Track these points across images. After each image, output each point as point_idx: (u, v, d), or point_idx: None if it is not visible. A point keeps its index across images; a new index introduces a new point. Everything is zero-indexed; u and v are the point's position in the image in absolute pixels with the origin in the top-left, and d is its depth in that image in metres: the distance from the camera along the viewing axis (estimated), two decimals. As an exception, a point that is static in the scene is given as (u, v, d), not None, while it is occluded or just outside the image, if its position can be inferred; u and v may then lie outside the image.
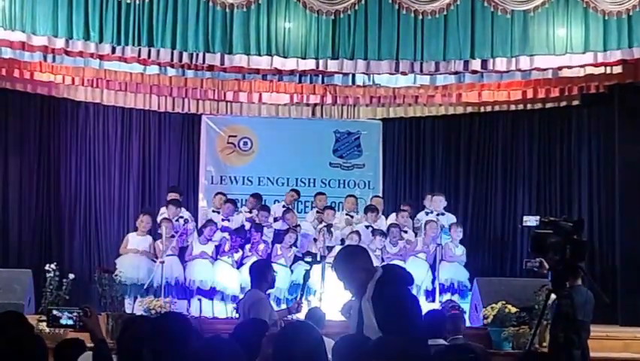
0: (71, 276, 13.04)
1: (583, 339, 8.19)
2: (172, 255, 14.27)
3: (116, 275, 13.28)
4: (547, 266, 8.32)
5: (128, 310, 13.28)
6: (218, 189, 16.36)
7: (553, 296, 7.50)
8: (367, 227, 14.89)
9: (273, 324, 8.32)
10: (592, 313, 9.90)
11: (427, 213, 15.37)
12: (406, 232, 14.93)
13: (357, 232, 14.62)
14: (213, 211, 15.30)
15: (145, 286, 13.92)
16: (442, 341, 8.45)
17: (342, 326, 12.58)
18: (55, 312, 5.90)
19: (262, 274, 8.72)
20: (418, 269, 14.54)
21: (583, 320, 9.29)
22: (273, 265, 14.14)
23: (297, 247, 14.61)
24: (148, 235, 14.65)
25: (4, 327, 5.18)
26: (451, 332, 9.27)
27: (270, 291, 13.97)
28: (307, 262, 9.49)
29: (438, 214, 15.26)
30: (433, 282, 14.52)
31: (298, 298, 9.94)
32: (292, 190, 15.92)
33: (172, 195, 15.30)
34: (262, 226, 14.70)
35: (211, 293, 14.23)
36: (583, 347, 7.93)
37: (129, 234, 14.77)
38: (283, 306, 14.06)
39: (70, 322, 5.76)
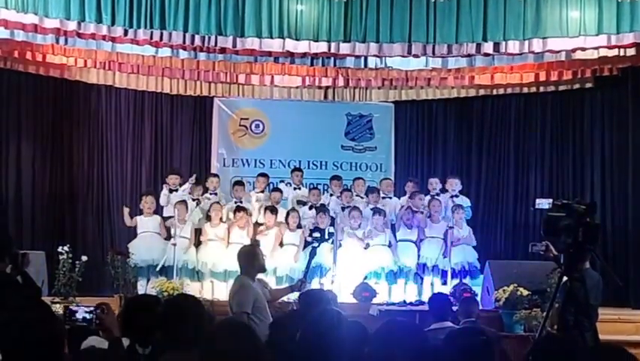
0: (84, 258, 13.09)
1: (593, 322, 8.20)
2: (185, 237, 14.29)
3: (129, 260, 13.34)
4: (553, 250, 8.29)
5: (141, 292, 13.30)
6: (230, 172, 16.42)
7: (564, 279, 7.50)
8: (372, 209, 14.85)
9: (261, 308, 8.25)
10: (601, 296, 9.88)
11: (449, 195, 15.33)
12: (422, 212, 14.90)
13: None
14: (211, 194, 15.28)
15: (158, 268, 13.97)
16: (448, 324, 8.47)
17: (354, 308, 12.70)
18: (72, 307, 5.92)
19: (248, 260, 8.65)
20: (432, 250, 14.59)
21: (591, 304, 9.28)
22: (287, 246, 14.37)
23: (301, 227, 14.60)
24: (155, 214, 14.71)
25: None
26: (463, 316, 9.28)
27: (282, 273, 14.21)
28: (315, 239, 9.19)
29: (452, 196, 15.24)
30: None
31: (302, 277, 9.85)
32: (295, 170, 15.89)
33: (173, 178, 15.26)
34: (276, 208, 14.68)
35: (224, 275, 14.25)
36: (593, 330, 7.93)
37: (137, 217, 14.81)
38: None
39: (86, 316, 5.78)
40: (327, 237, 9.38)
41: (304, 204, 15.17)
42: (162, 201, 15.03)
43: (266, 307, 8.39)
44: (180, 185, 15.17)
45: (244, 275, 8.60)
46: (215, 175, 15.76)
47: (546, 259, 9.61)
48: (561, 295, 7.76)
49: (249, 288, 8.44)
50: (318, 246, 9.08)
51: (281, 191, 15.27)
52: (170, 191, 15.09)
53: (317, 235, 9.15)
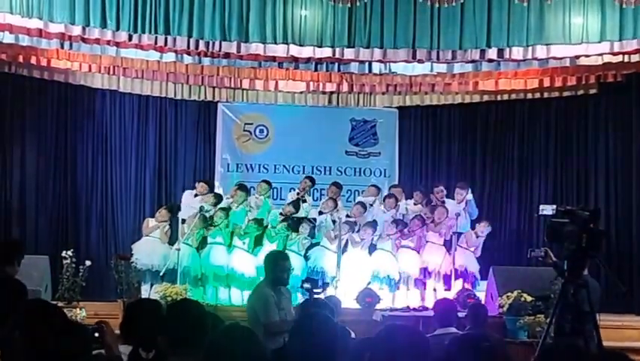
0: (88, 263, 13.10)
1: (591, 329, 8.19)
2: (188, 243, 14.28)
3: (132, 262, 13.35)
4: (552, 256, 8.28)
5: (144, 297, 13.30)
6: (235, 176, 16.37)
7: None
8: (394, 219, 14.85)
9: (270, 323, 7.99)
10: (598, 302, 9.86)
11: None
12: (432, 222, 14.88)
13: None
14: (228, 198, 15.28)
15: (161, 273, 13.97)
16: (453, 330, 8.44)
17: (358, 313, 12.70)
18: None
19: (268, 266, 8.31)
20: (433, 255, 14.57)
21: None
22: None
23: (312, 237, 14.60)
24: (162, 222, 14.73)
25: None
26: (471, 322, 9.25)
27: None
28: (306, 290, 8.21)
29: (462, 201, 15.24)
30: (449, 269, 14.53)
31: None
32: (306, 178, 15.86)
33: (202, 186, 15.21)
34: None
35: (227, 280, 14.26)
36: (592, 337, 7.93)
37: (148, 218, 14.85)
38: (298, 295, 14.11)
39: None
40: (319, 288, 8.35)
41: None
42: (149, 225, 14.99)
43: (276, 323, 8.11)
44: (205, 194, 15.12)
45: (263, 283, 8.28)
46: (240, 185, 15.67)
47: (546, 264, 9.62)
48: (559, 301, 7.76)
49: (263, 301, 8.14)
50: (310, 299, 8.23)
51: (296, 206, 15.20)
52: (195, 195, 15.04)
53: (307, 285, 8.22)
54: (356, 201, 15.66)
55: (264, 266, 8.39)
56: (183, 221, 14.52)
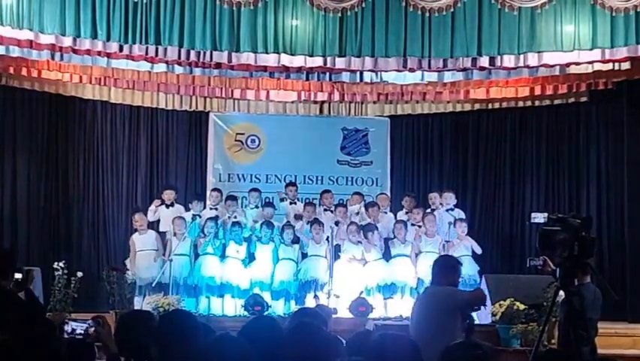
0: (80, 274, 13.06)
1: (591, 336, 8.18)
2: (181, 254, 14.25)
3: (126, 275, 13.32)
4: (551, 264, 8.27)
5: (137, 308, 13.27)
6: (226, 186, 16.36)
7: (561, 293, 7.50)
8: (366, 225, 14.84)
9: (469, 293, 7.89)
10: (600, 310, 9.88)
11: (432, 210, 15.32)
12: (420, 226, 14.85)
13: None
14: (211, 209, 15.28)
15: (153, 284, 13.93)
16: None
17: (351, 323, 12.67)
18: (67, 321, 5.90)
19: (443, 269, 7.96)
20: (429, 265, 14.53)
21: (591, 318, 9.27)
22: (282, 261, 14.36)
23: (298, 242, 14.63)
24: (150, 230, 14.71)
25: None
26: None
27: (279, 287, 14.22)
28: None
29: (447, 210, 15.21)
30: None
31: None
32: (289, 185, 15.85)
33: (168, 194, 15.25)
34: (272, 223, 14.67)
35: (220, 290, 14.23)
36: (591, 345, 7.93)
37: (132, 236, 14.80)
38: (292, 303, 14.09)
39: (81, 331, 5.75)
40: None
41: (301, 218, 15.14)
42: (149, 216, 15.02)
43: None
44: (175, 200, 15.20)
45: (436, 285, 7.98)
46: (216, 190, 15.72)
47: (544, 273, 9.60)
48: (562, 310, 7.74)
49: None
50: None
51: (274, 207, 15.26)
52: (167, 206, 15.08)
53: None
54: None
55: (436, 270, 8.05)
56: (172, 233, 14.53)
